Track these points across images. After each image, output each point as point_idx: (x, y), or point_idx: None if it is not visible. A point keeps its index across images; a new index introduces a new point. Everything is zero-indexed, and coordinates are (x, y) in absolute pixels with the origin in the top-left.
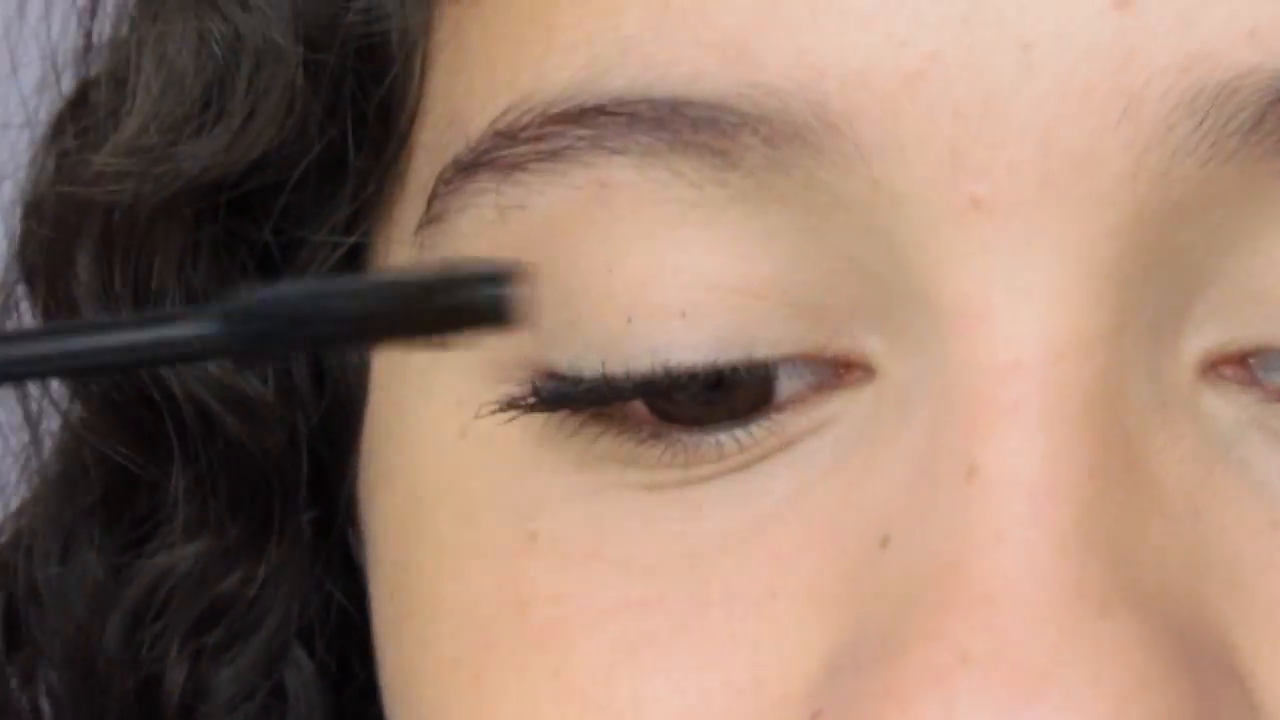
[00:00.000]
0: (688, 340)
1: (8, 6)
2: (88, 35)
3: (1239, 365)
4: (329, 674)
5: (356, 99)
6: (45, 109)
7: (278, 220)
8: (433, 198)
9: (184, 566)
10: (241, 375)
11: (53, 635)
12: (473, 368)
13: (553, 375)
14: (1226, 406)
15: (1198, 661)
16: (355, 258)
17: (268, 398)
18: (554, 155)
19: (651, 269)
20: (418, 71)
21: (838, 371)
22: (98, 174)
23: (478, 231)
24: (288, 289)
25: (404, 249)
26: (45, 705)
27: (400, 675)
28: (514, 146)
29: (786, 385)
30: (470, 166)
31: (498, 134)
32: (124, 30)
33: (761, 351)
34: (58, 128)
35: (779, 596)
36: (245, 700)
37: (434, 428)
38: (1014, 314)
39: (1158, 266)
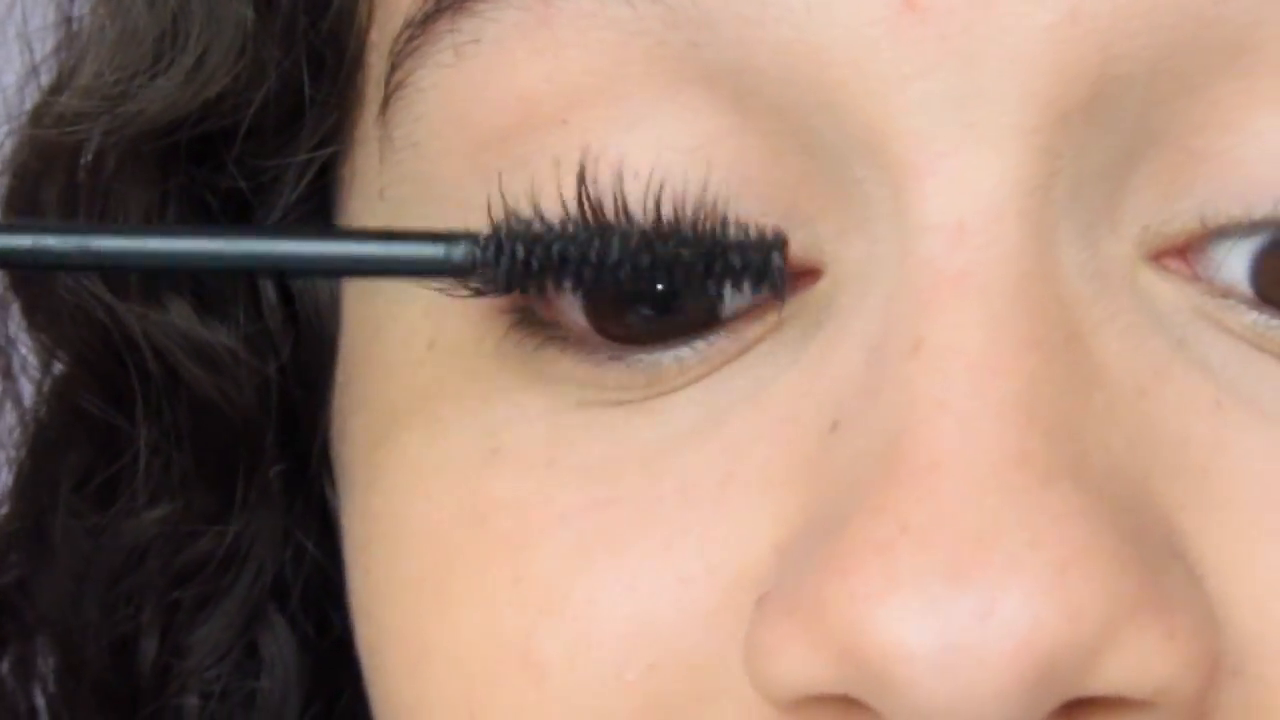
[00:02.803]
0: (639, 182)
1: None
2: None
3: (1181, 259)
4: (304, 632)
5: (307, 31)
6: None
7: (243, 162)
8: (392, 71)
9: (156, 527)
10: (208, 326)
11: (35, 601)
12: None
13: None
14: (1169, 291)
15: (1143, 538)
16: (324, 190)
17: (235, 349)
18: None
19: (594, 91)
20: None
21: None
22: (58, 116)
23: (435, 83)
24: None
25: (369, 147)
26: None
27: (368, 598)
28: None
29: (732, 300)
30: (429, 16)
31: None
32: None
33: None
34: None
35: (731, 485)
36: (220, 660)
37: (404, 344)
38: (957, 162)
39: (1097, 102)
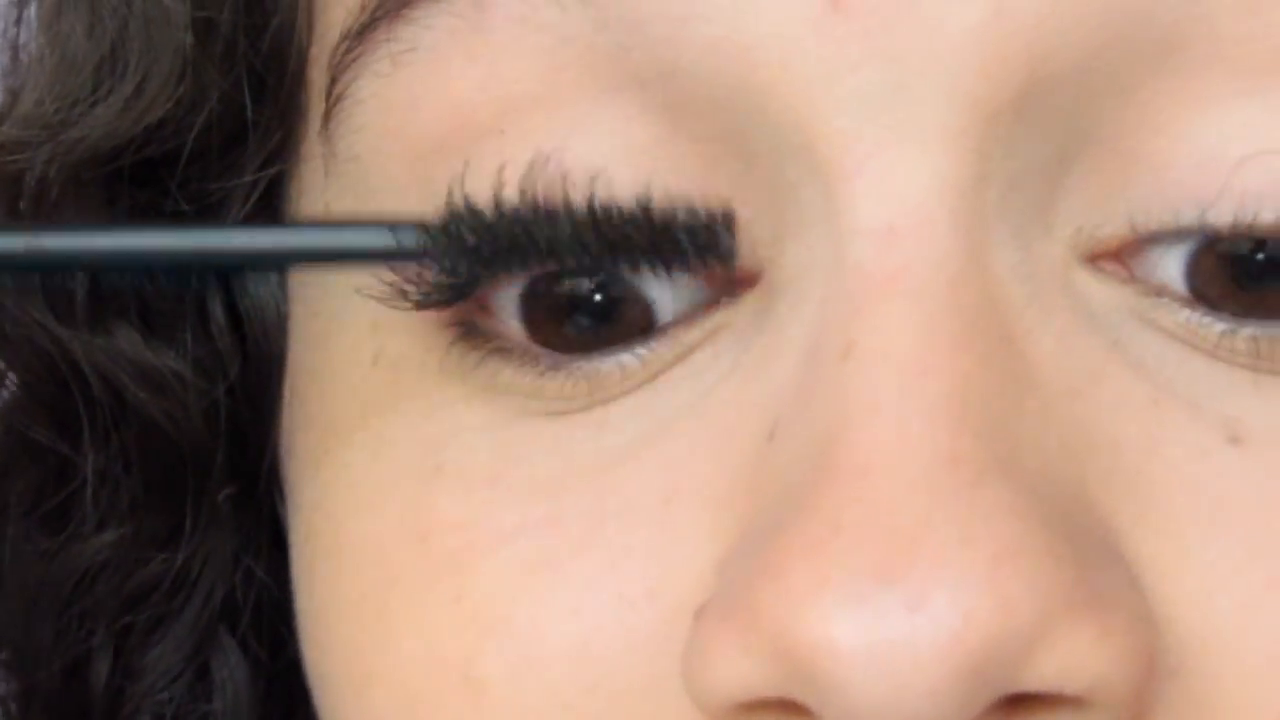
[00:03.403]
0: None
1: None
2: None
3: (1117, 261)
4: (256, 654)
5: (247, 52)
6: None
7: (188, 185)
8: (332, 84)
9: (107, 551)
10: (155, 350)
11: None
12: (369, 276)
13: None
14: (1102, 291)
15: (1077, 537)
16: (271, 210)
17: (182, 372)
18: None
19: (529, 99)
20: (302, 1)
21: (725, 288)
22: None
23: (374, 92)
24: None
25: (314, 162)
26: None
27: (313, 619)
28: None
29: (670, 308)
30: (365, 26)
31: None
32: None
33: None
34: None
35: (673, 503)
36: (173, 682)
37: (349, 359)
38: (885, 163)
39: (1026, 101)
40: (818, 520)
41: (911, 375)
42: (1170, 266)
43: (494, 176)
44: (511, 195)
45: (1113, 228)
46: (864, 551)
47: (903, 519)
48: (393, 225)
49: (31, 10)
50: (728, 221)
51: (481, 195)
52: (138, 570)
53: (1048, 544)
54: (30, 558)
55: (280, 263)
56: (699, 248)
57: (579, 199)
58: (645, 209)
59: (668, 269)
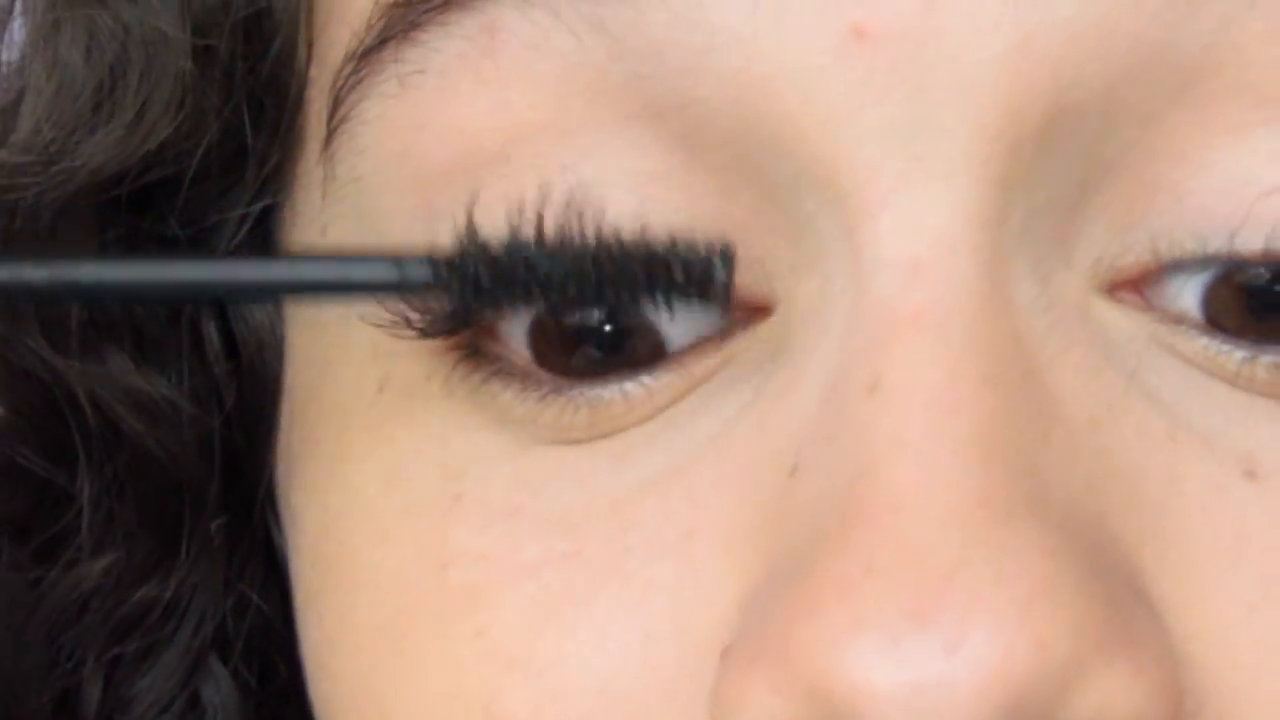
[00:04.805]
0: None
1: None
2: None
3: (1135, 290)
4: (247, 684)
5: (246, 76)
6: None
7: (182, 211)
8: (335, 105)
9: (97, 578)
10: (147, 378)
11: None
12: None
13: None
14: (1121, 320)
15: (1105, 574)
16: (265, 233)
17: (176, 400)
18: (447, 4)
19: (538, 126)
20: (302, 24)
21: (735, 318)
22: None
23: (380, 114)
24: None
25: (311, 185)
26: None
27: (323, 649)
28: (409, 7)
29: (680, 339)
30: (372, 47)
31: (394, 4)
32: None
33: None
34: None
35: (696, 538)
36: (163, 711)
37: (354, 386)
38: (908, 196)
39: (1049, 132)
40: (849, 559)
41: (939, 412)
42: (1187, 296)
43: (500, 205)
44: (517, 225)
45: (1134, 256)
46: (898, 592)
47: (936, 559)
48: (398, 259)
49: (15, 29)
50: (726, 256)
51: (487, 224)
52: (129, 597)
53: (1079, 582)
54: (18, 585)
55: (286, 294)
56: (696, 282)
57: (584, 230)
58: (644, 243)
59: (667, 303)
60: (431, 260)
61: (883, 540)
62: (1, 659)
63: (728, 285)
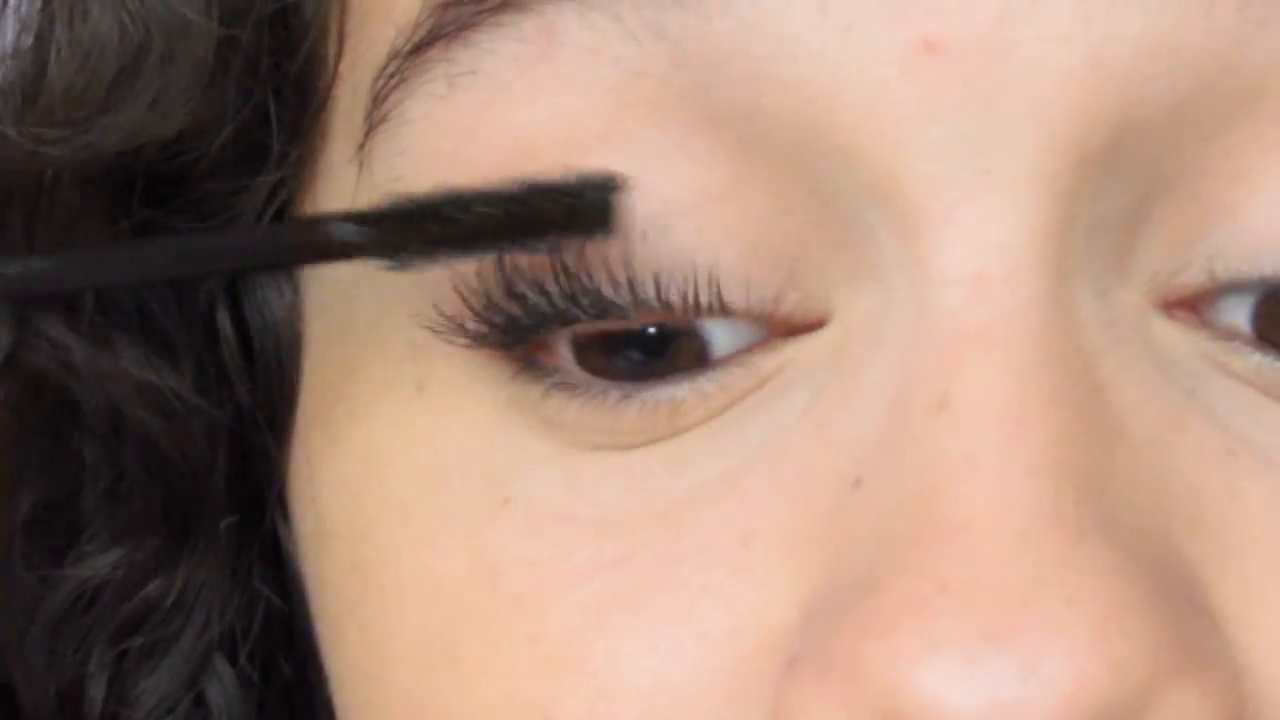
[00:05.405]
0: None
1: None
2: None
3: (1190, 309)
4: (251, 684)
5: (271, 71)
6: None
7: (196, 203)
8: (376, 102)
9: (104, 574)
10: (158, 370)
11: None
12: (424, 303)
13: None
14: (1176, 337)
15: (1172, 593)
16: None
17: (185, 393)
18: (503, 5)
19: (594, 134)
20: (333, 19)
21: (787, 330)
22: (15, 144)
23: (425, 114)
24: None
25: (335, 180)
26: None
27: (365, 657)
28: (462, 7)
29: (725, 345)
30: (420, 45)
31: (445, 4)
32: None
33: (719, 274)
34: None
35: (752, 544)
36: (167, 712)
37: (387, 386)
38: (975, 210)
39: (1115, 147)
40: (921, 576)
41: (1010, 431)
42: (1238, 312)
43: None
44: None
45: (1190, 274)
46: (974, 612)
47: (1010, 579)
48: (319, 219)
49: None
50: (611, 184)
51: None
52: (135, 594)
53: (1151, 602)
54: (25, 580)
55: (213, 271)
56: (578, 215)
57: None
58: (535, 185)
59: (552, 238)
60: (354, 216)
61: (956, 559)
62: (7, 654)
63: (609, 218)
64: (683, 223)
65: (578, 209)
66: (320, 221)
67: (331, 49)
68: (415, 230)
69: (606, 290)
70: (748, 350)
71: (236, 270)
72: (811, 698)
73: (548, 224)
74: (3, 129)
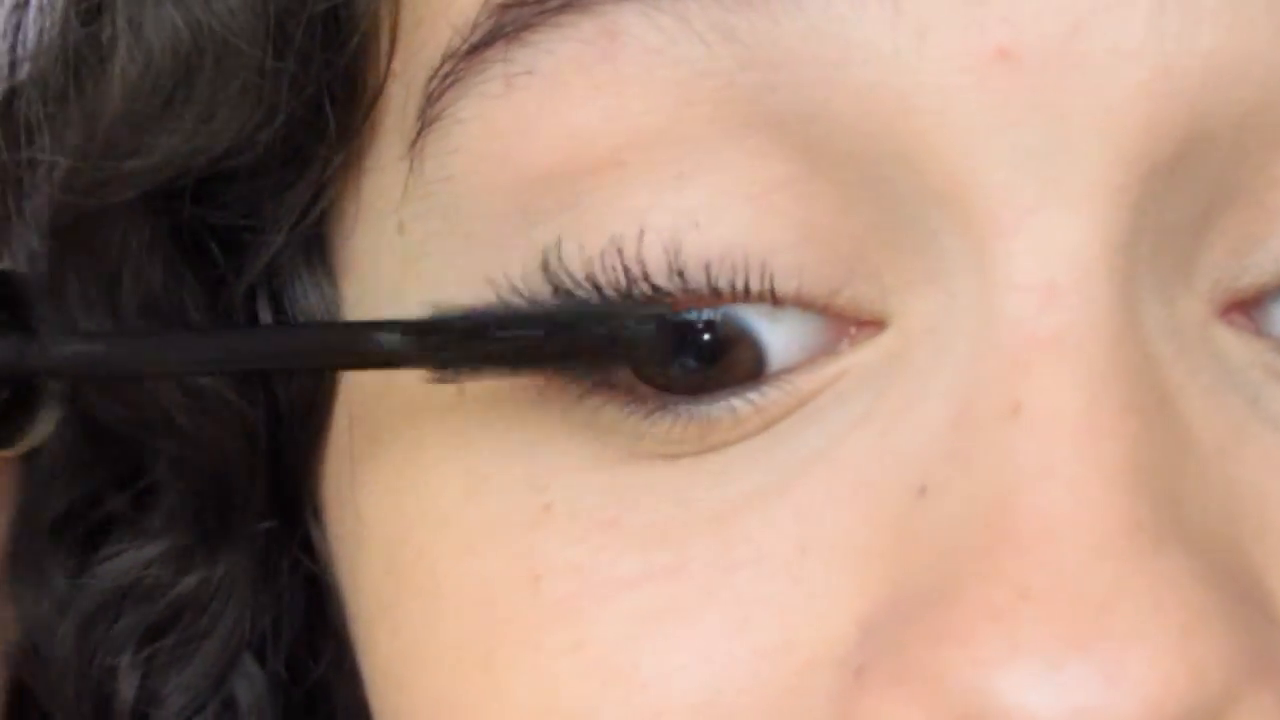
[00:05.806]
0: (699, 232)
1: None
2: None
3: (1246, 315)
4: (280, 684)
5: (321, 70)
6: None
7: (238, 202)
8: (429, 101)
9: (137, 573)
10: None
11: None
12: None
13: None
14: (1237, 346)
15: (1247, 602)
16: (318, 225)
17: (223, 391)
18: (565, 6)
19: (655, 132)
20: (385, 19)
21: (843, 330)
22: (61, 162)
23: (479, 114)
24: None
25: (383, 178)
26: None
27: (398, 662)
28: (523, 8)
29: (782, 352)
30: (478, 45)
31: (505, 4)
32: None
33: (772, 265)
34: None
35: (809, 553)
36: (197, 711)
37: (429, 386)
38: (1045, 219)
39: (1183, 158)
40: (1001, 583)
41: (1085, 438)
42: None
43: (601, 213)
44: (603, 247)
45: (1251, 278)
46: (1056, 618)
47: (1092, 586)
48: (369, 325)
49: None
50: (655, 315)
51: (582, 234)
52: (168, 591)
53: (1228, 609)
54: (58, 574)
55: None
56: (622, 345)
57: (693, 253)
58: (589, 312)
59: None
60: (401, 325)
61: (1036, 566)
62: (40, 650)
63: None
64: (737, 211)
65: (623, 337)
66: (367, 327)
67: (384, 46)
68: (458, 347)
69: (658, 278)
70: (812, 358)
71: (279, 369)
72: (888, 705)
73: (592, 351)
74: (68, 162)
